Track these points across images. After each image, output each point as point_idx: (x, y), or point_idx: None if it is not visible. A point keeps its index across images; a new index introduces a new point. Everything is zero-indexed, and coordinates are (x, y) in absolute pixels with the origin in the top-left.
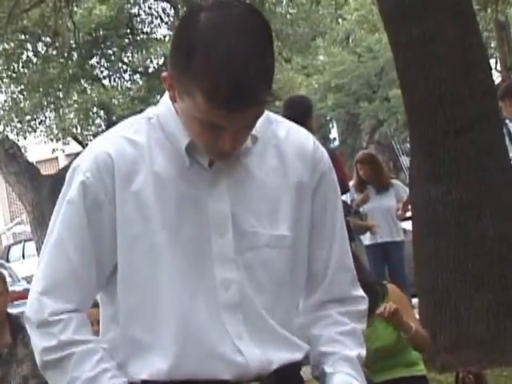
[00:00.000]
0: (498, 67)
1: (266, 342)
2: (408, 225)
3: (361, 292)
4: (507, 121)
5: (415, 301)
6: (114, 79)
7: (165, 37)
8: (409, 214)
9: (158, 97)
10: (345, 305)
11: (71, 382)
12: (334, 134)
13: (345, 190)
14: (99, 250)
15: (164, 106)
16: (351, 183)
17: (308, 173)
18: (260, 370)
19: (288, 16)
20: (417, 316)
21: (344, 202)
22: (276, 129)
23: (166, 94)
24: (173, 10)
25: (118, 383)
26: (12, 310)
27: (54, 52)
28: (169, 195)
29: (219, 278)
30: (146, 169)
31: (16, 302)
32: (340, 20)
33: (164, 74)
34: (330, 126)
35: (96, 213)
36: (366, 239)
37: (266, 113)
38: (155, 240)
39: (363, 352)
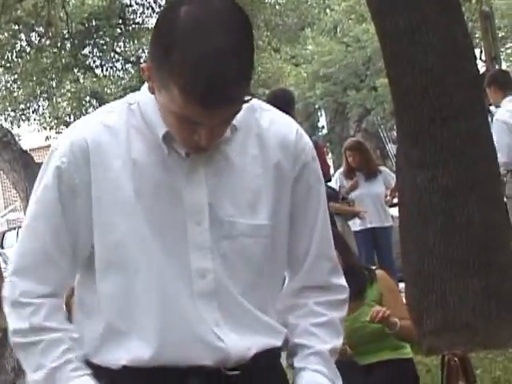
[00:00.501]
0: (483, 57)
1: (244, 327)
2: (395, 211)
3: (342, 281)
4: (492, 107)
5: (402, 285)
6: (107, 69)
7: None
8: (396, 200)
9: None
10: (324, 293)
11: (38, 368)
12: (322, 122)
13: (325, 178)
14: (74, 235)
15: (145, 94)
16: (340, 170)
17: (290, 162)
18: (240, 356)
19: (277, 7)
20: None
21: (332, 189)
22: (259, 117)
23: (145, 86)
24: (164, 1)
25: (78, 375)
26: None
27: (48, 42)
28: (146, 182)
29: (194, 266)
30: (123, 155)
31: None
32: (328, 10)
33: (143, 65)
34: (319, 114)
35: (71, 198)
36: (356, 225)
37: (250, 102)
38: (132, 227)
39: (338, 342)
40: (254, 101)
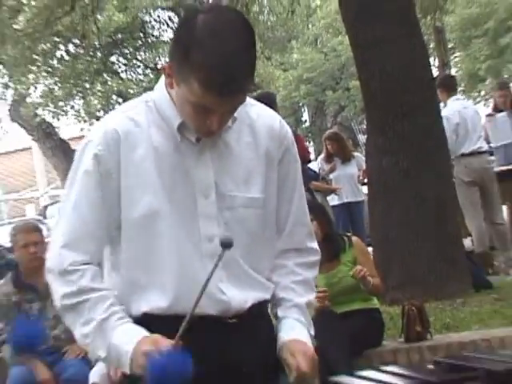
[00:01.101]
0: (436, 64)
1: (243, 283)
2: (365, 189)
3: (315, 245)
4: (442, 104)
5: (370, 249)
6: (130, 73)
7: (171, 39)
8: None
9: None
10: (301, 256)
11: (87, 323)
12: (305, 116)
13: (305, 161)
14: (110, 211)
15: (159, 92)
16: (321, 156)
17: (275, 147)
18: (239, 307)
19: (269, 23)
20: None
21: (314, 171)
22: (249, 111)
23: (160, 82)
24: (177, 18)
25: (123, 322)
26: None
27: (82, 51)
28: (164, 165)
29: (203, 232)
30: (145, 143)
31: None
32: (310, 26)
33: (165, 64)
34: (302, 110)
35: (107, 180)
36: (334, 200)
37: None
38: (153, 200)
39: (312, 297)
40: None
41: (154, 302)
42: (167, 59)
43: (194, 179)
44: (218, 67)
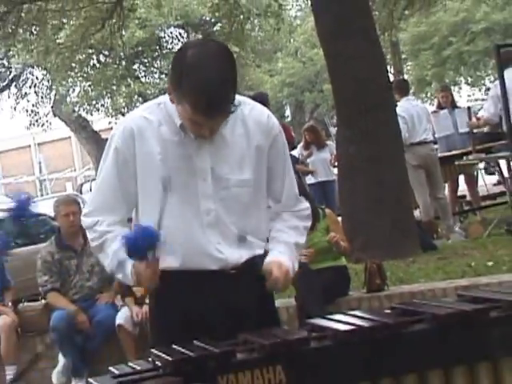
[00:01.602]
0: (392, 71)
1: (237, 244)
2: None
3: (304, 204)
4: (398, 103)
5: (339, 218)
6: (148, 78)
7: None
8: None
9: None
10: (293, 212)
11: (107, 257)
12: (287, 113)
13: (292, 147)
14: (126, 190)
15: (168, 98)
16: (300, 144)
17: (264, 137)
18: (235, 262)
19: (258, 38)
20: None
21: (294, 156)
22: (243, 108)
23: None
24: (186, 34)
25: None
26: None
27: (110, 60)
28: (170, 154)
29: (203, 208)
30: (155, 137)
31: None
32: (292, 40)
33: (167, 85)
34: (285, 108)
35: (124, 167)
36: (311, 179)
37: (237, 96)
38: (161, 183)
39: (301, 240)
40: (240, 97)
41: (168, 262)
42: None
43: (194, 166)
44: (202, 94)
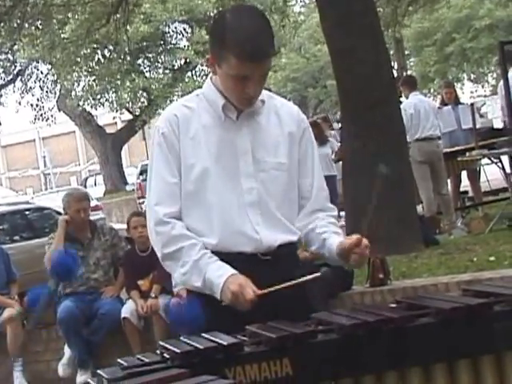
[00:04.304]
0: (395, 67)
1: (273, 227)
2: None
3: (331, 204)
4: (403, 99)
5: (343, 213)
6: (153, 73)
7: (185, 46)
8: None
9: (180, 84)
10: (326, 212)
11: (184, 264)
12: None
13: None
14: (178, 174)
15: (206, 86)
16: None
17: (296, 127)
18: (269, 244)
19: None
20: (343, 223)
21: None
22: (275, 101)
23: (206, 81)
24: (190, 29)
25: (214, 261)
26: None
27: (115, 55)
28: (212, 138)
29: (244, 186)
30: (197, 123)
31: (91, 213)
32: (296, 36)
33: (207, 56)
34: None
35: (172, 150)
36: None
37: (269, 93)
38: (204, 165)
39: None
40: (271, 93)
41: (207, 240)
42: (181, 62)
43: (235, 147)
44: (246, 41)
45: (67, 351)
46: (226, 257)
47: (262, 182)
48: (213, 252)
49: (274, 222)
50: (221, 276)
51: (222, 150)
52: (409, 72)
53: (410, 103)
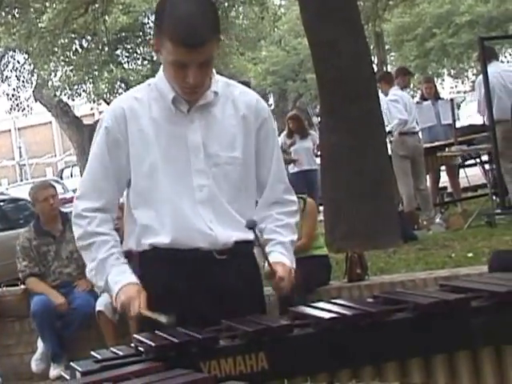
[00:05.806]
0: (376, 61)
1: (228, 224)
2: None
3: (292, 197)
4: (381, 95)
5: (322, 208)
6: (131, 64)
7: None
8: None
9: None
10: (282, 206)
11: (93, 260)
12: (271, 101)
13: None
14: (117, 170)
15: (158, 75)
16: (283, 133)
17: (252, 117)
18: (224, 241)
19: (243, 25)
20: (322, 218)
21: None
22: (232, 89)
23: (160, 69)
24: None
25: (119, 263)
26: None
27: (93, 45)
28: (162, 131)
29: (195, 183)
30: (146, 115)
31: (66, 205)
32: (276, 29)
33: (152, 41)
34: (268, 96)
35: (115, 147)
36: (294, 168)
37: (226, 80)
38: (153, 161)
39: (294, 237)
40: (229, 80)
41: (159, 238)
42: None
43: (186, 142)
44: (180, 25)
45: (40, 346)
46: (181, 254)
47: (215, 177)
48: (168, 250)
49: (228, 218)
50: (117, 283)
51: (172, 145)
52: (389, 67)
53: (398, 96)
